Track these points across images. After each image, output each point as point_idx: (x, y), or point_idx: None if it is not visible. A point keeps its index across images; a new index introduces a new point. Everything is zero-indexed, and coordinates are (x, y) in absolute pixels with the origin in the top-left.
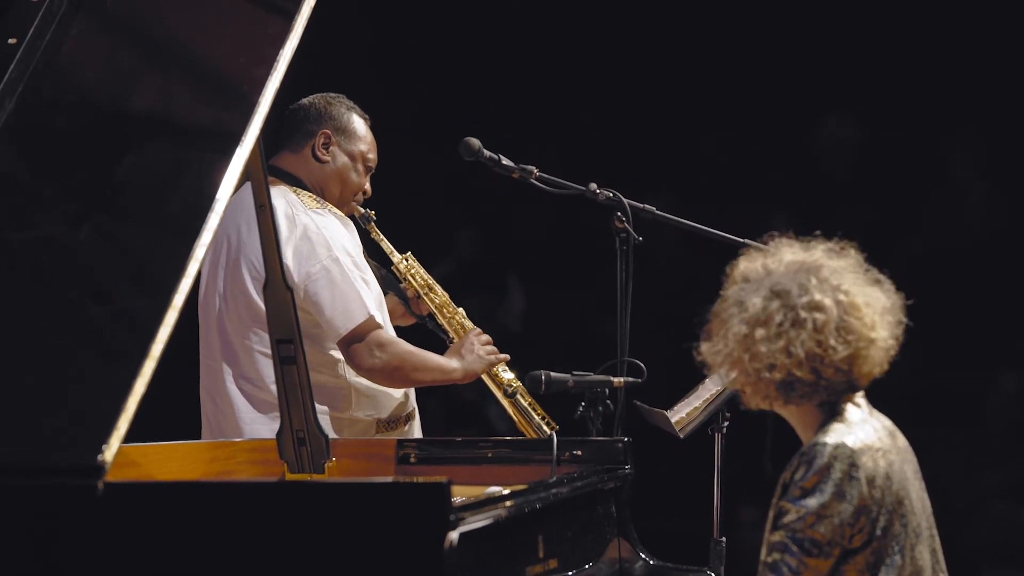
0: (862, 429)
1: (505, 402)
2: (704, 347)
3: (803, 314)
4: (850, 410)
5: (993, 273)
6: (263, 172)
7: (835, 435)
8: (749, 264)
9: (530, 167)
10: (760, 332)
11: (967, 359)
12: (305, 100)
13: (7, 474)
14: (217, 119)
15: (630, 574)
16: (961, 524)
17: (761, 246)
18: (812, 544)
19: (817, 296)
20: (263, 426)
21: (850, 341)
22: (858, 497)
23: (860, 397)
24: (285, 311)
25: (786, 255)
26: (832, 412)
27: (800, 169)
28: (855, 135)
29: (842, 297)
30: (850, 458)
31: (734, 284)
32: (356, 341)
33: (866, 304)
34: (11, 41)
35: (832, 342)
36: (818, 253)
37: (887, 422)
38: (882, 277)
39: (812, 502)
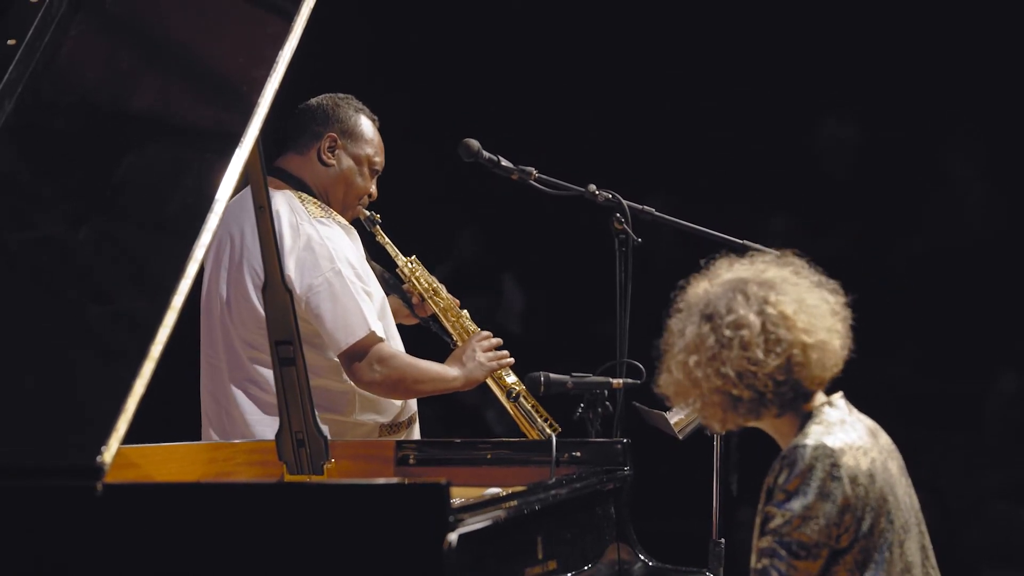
0: (841, 429)
1: (508, 405)
2: (660, 381)
3: (728, 333)
4: (827, 412)
5: (993, 273)
6: (262, 173)
7: (814, 436)
8: (691, 290)
9: (529, 168)
10: (693, 359)
11: (967, 360)
12: (313, 100)
13: (6, 475)
14: (216, 120)
15: (629, 575)
16: (961, 525)
17: (761, 247)
18: (799, 546)
19: (741, 312)
20: (267, 428)
21: (779, 352)
22: (842, 496)
23: (838, 398)
24: (284, 313)
25: (723, 274)
26: (808, 416)
27: (800, 170)
28: (855, 135)
29: (769, 309)
30: (831, 457)
31: (677, 313)
32: (357, 356)
33: (796, 311)
34: (10, 42)
35: (760, 356)
36: (758, 266)
37: (868, 421)
38: (824, 279)
39: (796, 504)
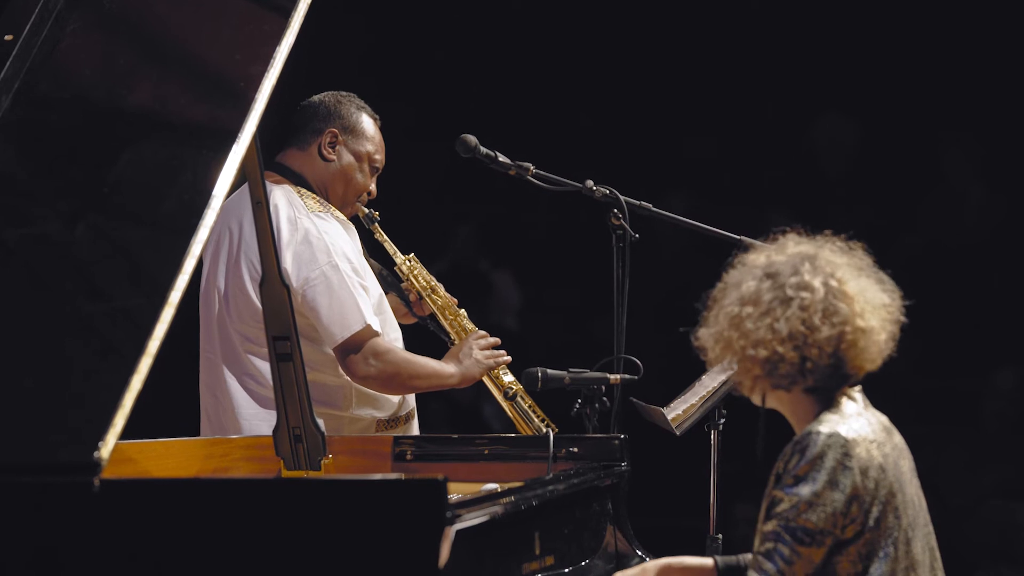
0: (856, 421)
1: (505, 404)
2: (700, 332)
3: (790, 292)
4: (845, 403)
5: (990, 271)
6: (260, 169)
7: (829, 425)
8: (753, 254)
9: (527, 164)
10: (748, 310)
11: (964, 357)
12: (316, 97)
13: (4, 471)
14: (213, 116)
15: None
16: (959, 522)
17: (758, 243)
18: (804, 532)
19: (807, 277)
20: (264, 422)
21: (835, 323)
22: (851, 486)
23: (856, 392)
24: (281, 308)
25: (790, 247)
26: (826, 403)
27: (798, 168)
28: (852, 135)
29: (833, 282)
30: (844, 447)
31: (734, 269)
32: (352, 350)
33: (858, 293)
34: (7, 37)
35: (817, 321)
36: (828, 248)
37: (883, 418)
38: (886, 278)
39: (805, 490)
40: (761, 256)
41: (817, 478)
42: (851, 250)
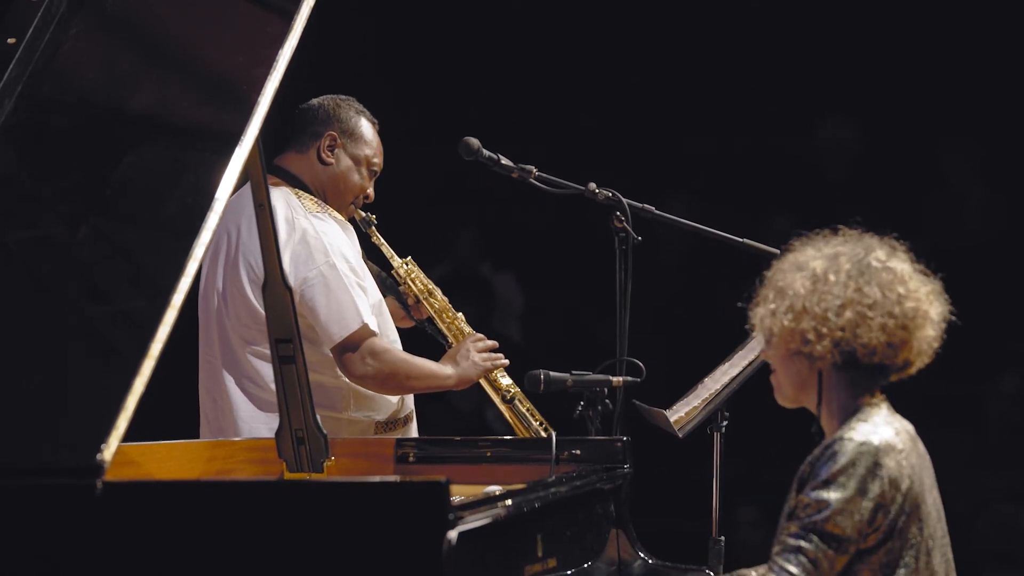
0: (886, 430)
1: (503, 407)
2: (760, 310)
3: (874, 263)
4: (875, 411)
5: (993, 274)
6: (262, 171)
7: (860, 433)
8: (806, 247)
9: (529, 167)
10: (832, 276)
11: (968, 361)
12: (315, 100)
13: (7, 473)
14: (216, 118)
15: (629, 573)
16: (962, 526)
17: (761, 247)
18: (831, 538)
19: (883, 255)
20: (262, 424)
21: (909, 306)
22: (878, 495)
23: (884, 401)
24: (284, 310)
25: (839, 244)
26: (856, 410)
27: (799, 171)
28: (854, 137)
29: (899, 267)
30: (874, 456)
31: (788, 256)
32: (349, 349)
33: (925, 288)
34: (10, 41)
35: (900, 293)
36: (874, 242)
37: (909, 427)
38: (934, 282)
39: (834, 496)
40: (815, 246)
41: (848, 485)
42: (902, 253)
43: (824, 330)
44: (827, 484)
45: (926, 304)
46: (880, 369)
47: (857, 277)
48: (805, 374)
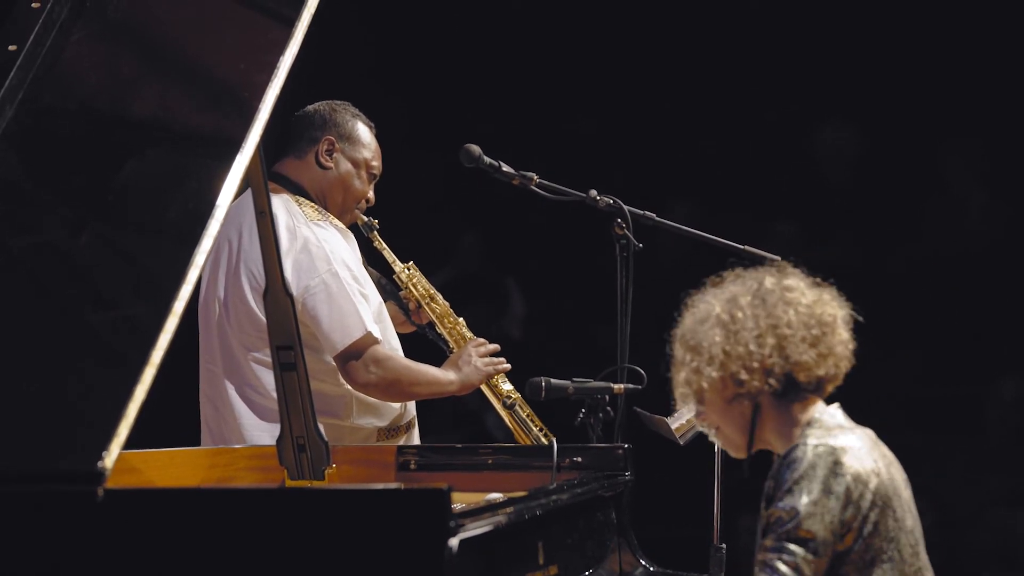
0: (842, 433)
1: (503, 413)
2: (681, 375)
3: (770, 287)
4: (826, 419)
5: (993, 279)
6: (264, 178)
7: (815, 437)
8: (694, 303)
9: (530, 174)
10: (739, 313)
11: (967, 365)
12: (310, 107)
13: (8, 480)
14: (218, 125)
15: None
16: (962, 531)
17: (763, 253)
18: (806, 542)
19: (774, 279)
20: (264, 432)
21: (818, 312)
22: (845, 492)
23: (836, 409)
24: (285, 318)
25: (728, 286)
26: (808, 422)
27: (801, 177)
28: (855, 142)
29: (788, 294)
30: (833, 455)
31: (685, 317)
32: (352, 357)
33: (825, 294)
34: (12, 47)
35: (806, 303)
36: (764, 272)
37: (869, 431)
38: (835, 292)
39: (801, 500)
40: (707, 297)
41: (812, 488)
42: (789, 271)
43: (754, 364)
44: (791, 492)
45: (832, 308)
46: (818, 383)
47: (761, 305)
48: (748, 416)
